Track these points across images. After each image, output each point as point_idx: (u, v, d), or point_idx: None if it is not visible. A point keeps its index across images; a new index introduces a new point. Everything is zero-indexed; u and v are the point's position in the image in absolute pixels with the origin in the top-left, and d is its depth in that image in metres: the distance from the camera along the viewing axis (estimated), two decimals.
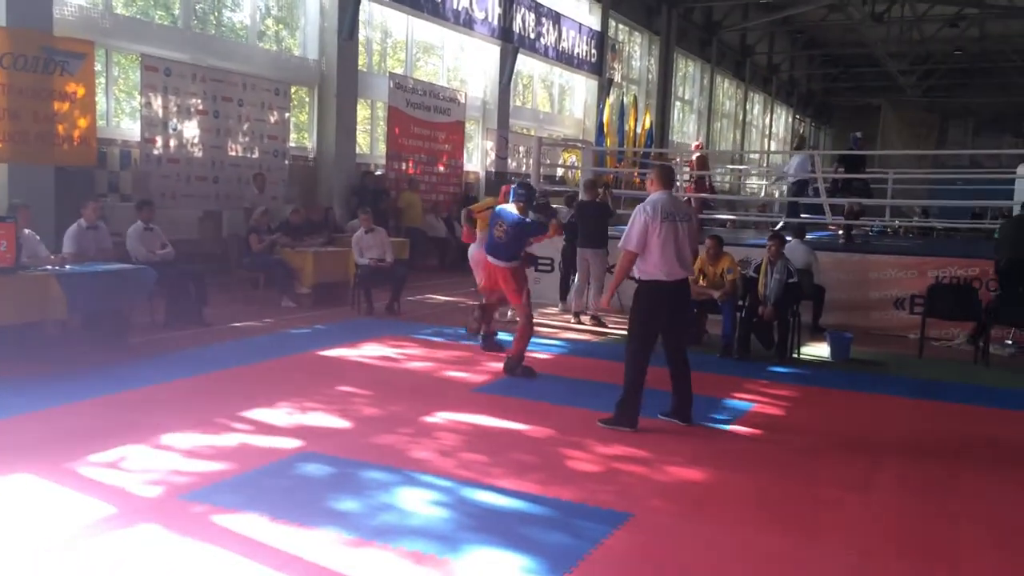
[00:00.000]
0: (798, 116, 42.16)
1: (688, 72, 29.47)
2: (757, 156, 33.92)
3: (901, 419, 6.59)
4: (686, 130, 29.66)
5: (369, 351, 8.22)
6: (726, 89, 32.90)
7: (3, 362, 6.88)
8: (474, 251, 9.15)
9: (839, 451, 5.64)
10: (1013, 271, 8.95)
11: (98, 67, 10.77)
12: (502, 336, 8.58)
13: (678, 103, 28.49)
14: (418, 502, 4.36)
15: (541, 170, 13.62)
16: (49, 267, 7.36)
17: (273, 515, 4.09)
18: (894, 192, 14.23)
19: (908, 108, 37.87)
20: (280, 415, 5.83)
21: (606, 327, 10.17)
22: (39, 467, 4.61)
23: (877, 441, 5.92)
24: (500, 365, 7.59)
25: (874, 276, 10.44)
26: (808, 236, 10.97)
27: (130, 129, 11.61)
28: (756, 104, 36.43)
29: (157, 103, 11.26)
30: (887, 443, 5.89)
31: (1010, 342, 9.48)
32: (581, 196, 10.96)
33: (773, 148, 37.79)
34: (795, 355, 8.64)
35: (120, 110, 11.95)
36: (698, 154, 16.75)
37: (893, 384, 7.69)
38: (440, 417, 5.98)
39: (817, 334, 9.64)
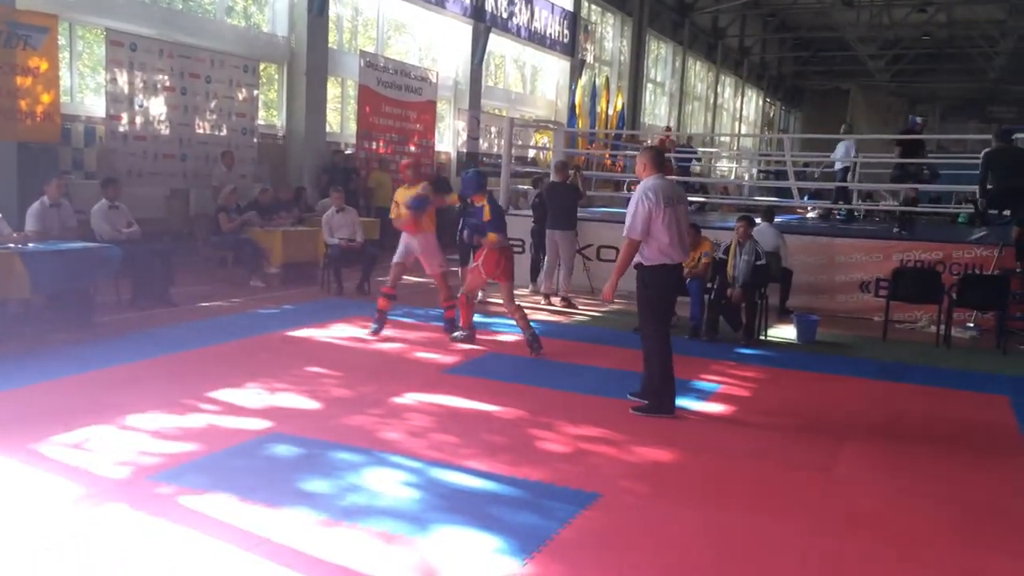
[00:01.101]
0: (768, 99, 42.39)
1: (660, 54, 29.49)
2: (728, 139, 34.10)
3: (865, 400, 6.70)
4: (658, 112, 29.71)
5: (338, 332, 8.19)
6: (698, 72, 32.98)
7: None
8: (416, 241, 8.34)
9: (805, 432, 5.73)
10: (1002, 197, 9.78)
11: (62, 41, 10.55)
12: (501, 328, 8.56)
13: (650, 85, 28.52)
14: (387, 483, 4.37)
15: (512, 151, 13.58)
16: (12, 245, 7.23)
17: (242, 496, 4.08)
18: (861, 176, 14.40)
19: (876, 93, 38.28)
20: (248, 396, 5.80)
21: (576, 308, 10.21)
22: (4, 447, 4.55)
23: (842, 422, 6.02)
24: (471, 347, 7.61)
25: (840, 259, 10.57)
26: (776, 219, 11.07)
27: (95, 105, 11.41)
28: (727, 87, 36.57)
29: (123, 79, 11.07)
30: (852, 424, 5.99)
31: (972, 325, 9.66)
32: (552, 177, 10.97)
33: (743, 131, 37.99)
34: (762, 337, 8.74)
35: (84, 86, 11.74)
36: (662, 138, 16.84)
37: (858, 366, 7.81)
38: (410, 398, 5.98)
39: (784, 316, 9.75)
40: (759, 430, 5.72)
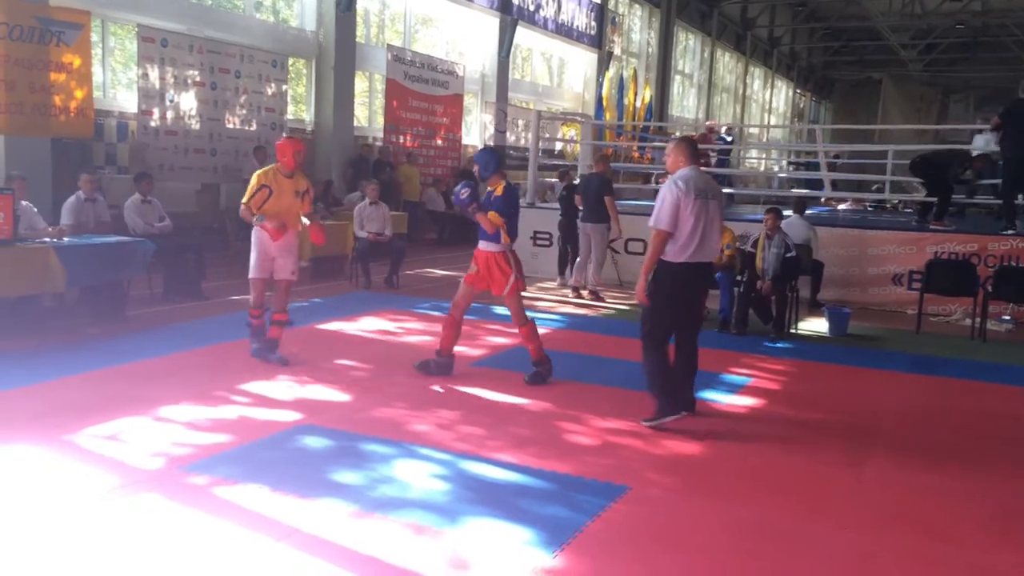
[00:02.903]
0: (798, 90, 41.95)
1: (688, 45, 29.27)
2: (757, 130, 33.81)
3: (898, 394, 6.62)
4: (686, 104, 29.51)
5: (367, 325, 8.23)
6: (726, 63, 32.71)
7: (1, 335, 6.89)
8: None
9: (836, 426, 5.67)
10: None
11: (94, 38, 10.68)
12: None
13: (678, 77, 28.33)
14: (417, 474, 4.39)
15: (540, 144, 13.57)
16: (47, 239, 7.34)
17: (273, 487, 4.11)
18: (894, 168, 14.19)
19: (909, 83, 37.72)
20: (279, 388, 5.85)
21: (604, 301, 10.18)
22: (40, 439, 4.63)
23: (874, 416, 5.95)
24: (498, 340, 7.61)
25: (873, 252, 10.44)
26: (807, 211, 10.96)
27: (127, 101, 11.55)
28: (756, 78, 36.23)
29: (154, 74, 11.19)
30: (884, 418, 5.92)
31: (1007, 317, 9.51)
32: (592, 169, 10.93)
33: (773, 123, 37.64)
34: (793, 330, 8.66)
35: (117, 81, 11.88)
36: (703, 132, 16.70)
37: (891, 359, 7.72)
38: (438, 390, 6.00)
39: (815, 309, 9.66)
40: (789, 424, 5.66)
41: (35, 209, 7.90)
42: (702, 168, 5.60)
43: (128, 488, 4.06)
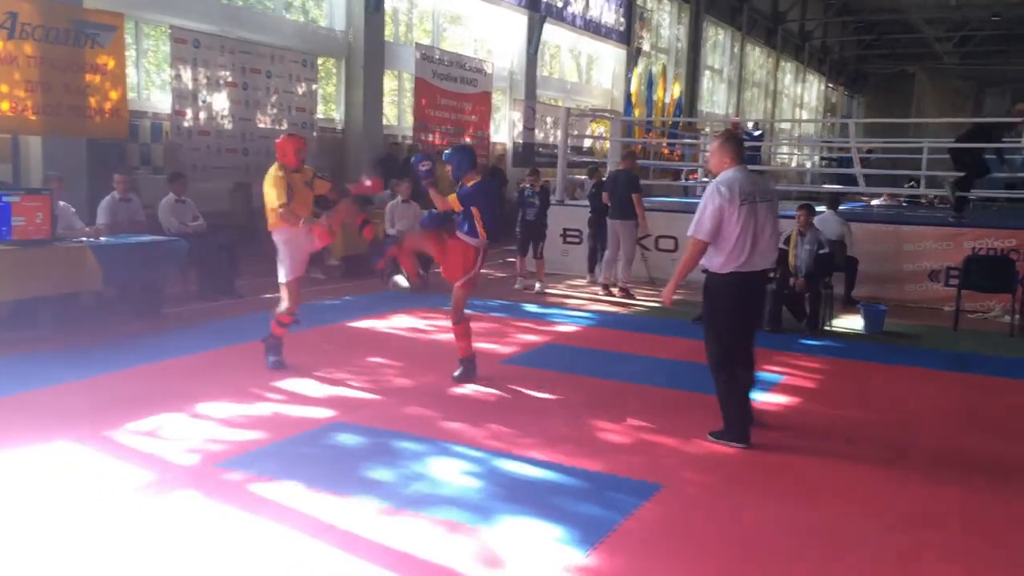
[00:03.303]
0: (830, 84, 41.48)
1: (718, 40, 29.06)
2: (788, 126, 33.50)
3: (936, 392, 6.52)
4: (716, 99, 29.30)
5: (398, 323, 8.26)
6: (757, 57, 32.43)
7: (41, 333, 7.00)
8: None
9: (872, 424, 5.60)
10: None
11: (128, 39, 10.81)
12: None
13: (707, 72, 28.13)
14: (449, 472, 4.39)
15: (568, 141, 13.53)
16: (84, 239, 7.45)
17: (308, 483, 4.14)
18: (929, 162, 13.98)
19: (944, 76, 37.15)
20: (312, 385, 5.89)
21: (635, 299, 10.13)
22: (77, 435, 4.70)
23: (911, 414, 5.87)
24: (529, 337, 7.60)
25: (908, 248, 10.30)
26: (841, 207, 10.84)
27: (161, 101, 11.68)
28: (788, 73, 35.87)
29: (187, 75, 11.31)
30: (922, 416, 5.84)
31: None
32: (619, 166, 10.90)
33: (805, 117, 37.25)
34: (827, 327, 8.57)
35: (150, 82, 12.02)
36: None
37: (927, 357, 7.61)
38: (469, 388, 6.01)
39: (850, 306, 9.54)
40: (825, 422, 5.60)
41: (72, 209, 8.03)
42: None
43: (165, 484, 4.10)
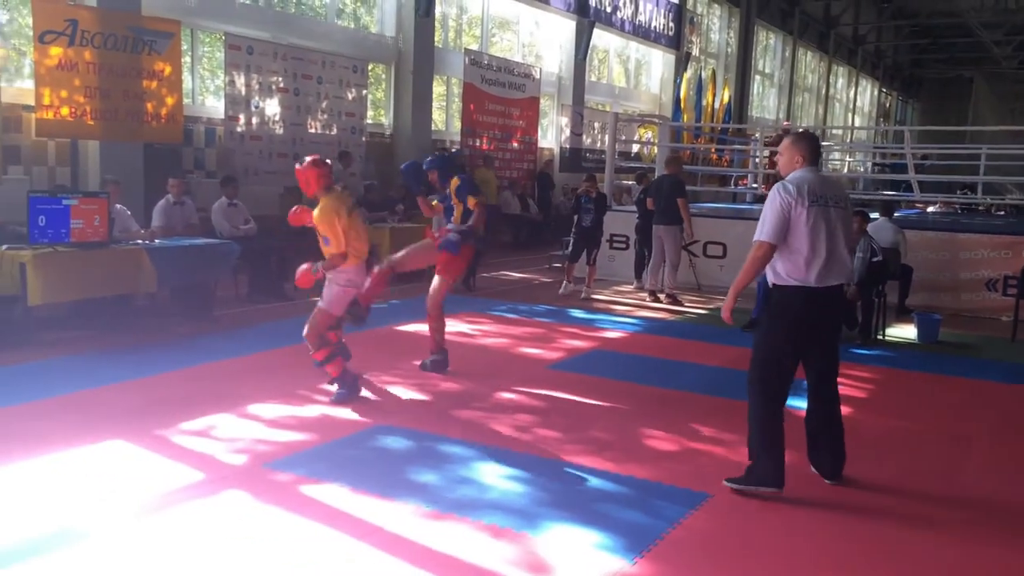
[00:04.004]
0: (884, 89, 40.73)
1: (769, 44, 28.73)
2: (840, 131, 32.96)
3: (992, 404, 6.35)
4: (766, 105, 28.95)
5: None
6: (808, 62, 31.98)
7: (97, 333, 7.17)
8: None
9: (925, 436, 5.47)
10: None
11: (184, 46, 11.03)
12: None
13: (758, 77, 27.82)
14: (495, 477, 4.39)
15: (616, 146, 13.47)
16: (140, 241, 7.61)
17: (354, 486, 4.17)
18: (987, 169, 13.65)
19: (1003, 81, 36.25)
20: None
21: (683, 305, 10.04)
22: (132, 434, 4.79)
23: (966, 426, 5.72)
24: (575, 343, 7.57)
25: (965, 256, 10.05)
26: (896, 214, 10.62)
27: (214, 107, 11.90)
28: (840, 77, 35.32)
29: (240, 81, 11.50)
30: (978, 428, 5.68)
31: None
32: (665, 171, 10.84)
33: (857, 123, 36.63)
34: (880, 337, 8.39)
35: (205, 88, 12.25)
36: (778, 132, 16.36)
37: (984, 368, 7.41)
38: (516, 393, 6.00)
39: (903, 315, 9.34)
40: (876, 433, 5.48)
41: (128, 212, 8.21)
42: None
43: (214, 484, 4.16)
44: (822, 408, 4.50)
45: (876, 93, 40.00)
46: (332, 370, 5.65)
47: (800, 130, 4.49)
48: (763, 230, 4.19)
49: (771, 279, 4.33)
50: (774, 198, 4.20)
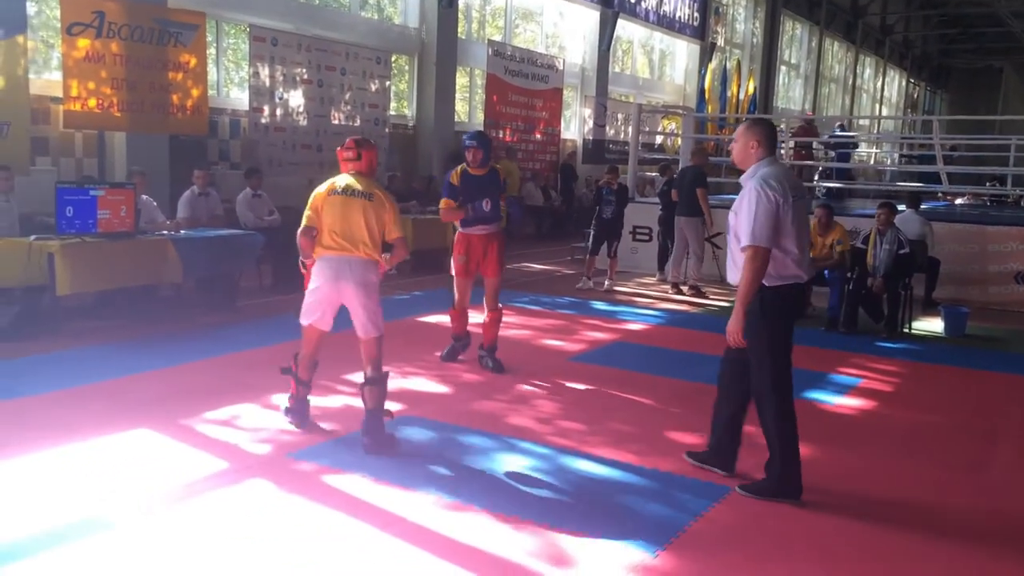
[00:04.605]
0: (912, 80, 40.20)
1: (795, 35, 28.43)
2: (867, 122, 32.58)
3: (1021, 399, 6.26)
4: (791, 95, 28.68)
5: None
6: (835, 52, 31.62)
7: (123, 323, 7.24)
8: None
9: (954, 430, 5.41)
10: None
11: (209, 38, 11.09)
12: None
13: (783, 67, 27.55)
14: (516, 468, 4.39)
15: (640, 137, 13.40)
16: (165, 232, 7.67)
17: (376, 476, 4.19)
18: (1016, 160, 13.43)
19: None
20: None
21: (706, 297, 9.99)
22: (157, 423, 4.84)
23: (993, 420, 5.65)
24: (596, 335, 7.54)
25: (993, 248, 9.92)
26: (923, 206, 10.50)
27: (239, 99, 11.96)
28: (867, 67, 34.89)
29: (264, 73, 11.55)
30: (1004, 423, 5.61)
31: None
32: (690, 162, 10.78)
33: (885, 114, 36.20)
34: (906, 330, 8.30)
35: (229, 80, 12.32)
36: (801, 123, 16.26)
37: (1012, 362, 7.31)
38: (537, 385, 6.00)
39: (930, 308, 9.24)
40: (903, 427, 5.43)
41: (154, 203, 8.28)
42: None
43: (239, 473, 4.19)
44: (743, 406, 4.37)
45: (904, 84, 39.49)
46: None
47: (753, 117, 4.11)
48: (759, 235, 3.92)
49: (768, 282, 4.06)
50: (761, 197, 3.95)
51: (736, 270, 4.11)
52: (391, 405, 5.34)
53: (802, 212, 4.13)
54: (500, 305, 6.51)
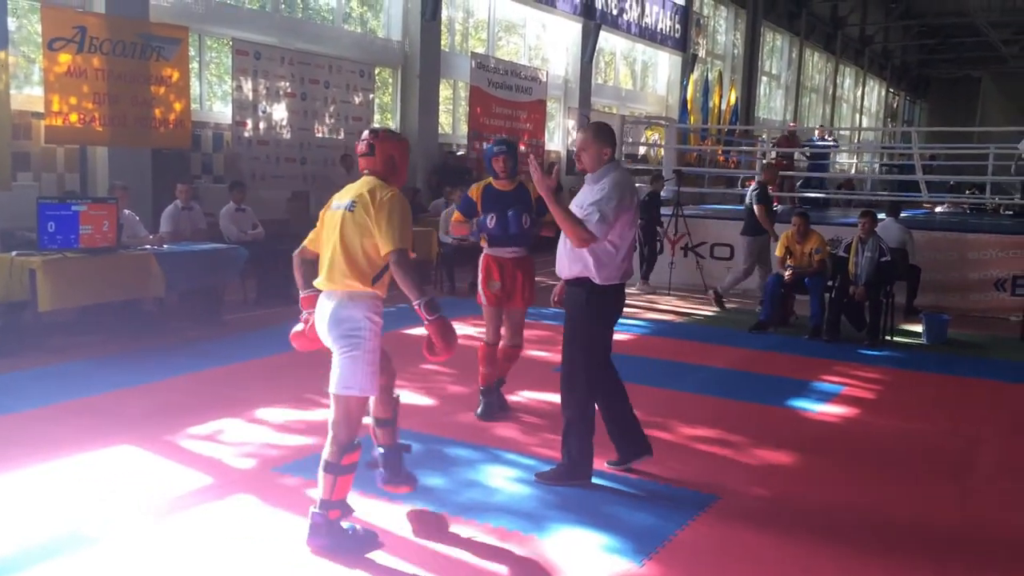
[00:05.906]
0: (892, 90, 40.61)
1: (776, 46, 28.68)
2: (847, 132, 32.86)
3: (1001, 404, 6.33)
4: (773, 106, 28.90)
5: None
6: (815, 63, 31.91)
7: (107, 338, 7.20)
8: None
9: (936, 437, 5.46)
10: None
11: (192, 52, 11.08)
12: None
13: (765, 78, 27.78)
14: (502, 479, 4.39)
15: (624, 148, 13.46)
16: (148, 247, 7.64)
17: (362, 490, 4.16)
18: (995, 169, 13.61)
19: (1011, 81, 36.07)
20: None
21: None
22: (140, 439, 4.81)
23: (974, 427, 5.70)
24: None
25: (973, 256, 10.02)
26: (903, 214, 10.59)
27: (222, 112, 11.95)
28: (847, 78, 35.23)
29: (247, 86, 11.54)
30: (985, 429, 5.66)
31: None
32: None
33: (865, 123, 36.52)
34: (888, 337, 8.37)
35: (212, 94, 12.30)
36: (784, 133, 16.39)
37: (993, 368, 7.39)
38: (523, 396, 6.01)
39: (912, 316, 9.32)
40: (885, 434, 5.47)
41: (137, 218, 8.25)
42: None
43: (223, 488, 4.18)
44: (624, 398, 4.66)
45: (884, 93, 39.89)
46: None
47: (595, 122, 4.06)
48: (602, 225, 4.03)
49: (587, 276, 4.20)
50: (614, 193, 4.05)
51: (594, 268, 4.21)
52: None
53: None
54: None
